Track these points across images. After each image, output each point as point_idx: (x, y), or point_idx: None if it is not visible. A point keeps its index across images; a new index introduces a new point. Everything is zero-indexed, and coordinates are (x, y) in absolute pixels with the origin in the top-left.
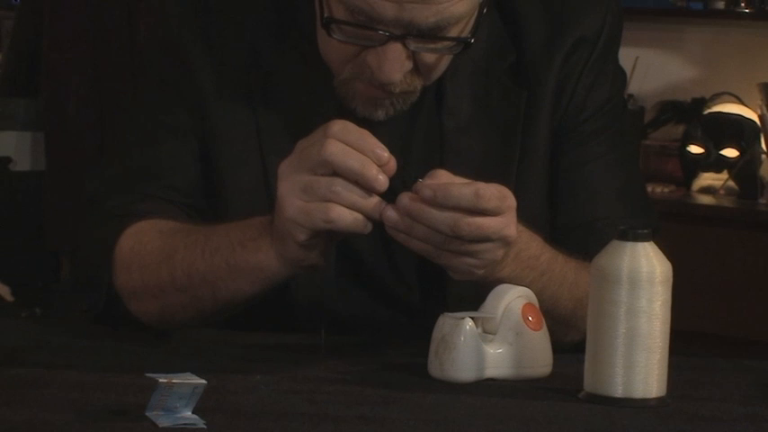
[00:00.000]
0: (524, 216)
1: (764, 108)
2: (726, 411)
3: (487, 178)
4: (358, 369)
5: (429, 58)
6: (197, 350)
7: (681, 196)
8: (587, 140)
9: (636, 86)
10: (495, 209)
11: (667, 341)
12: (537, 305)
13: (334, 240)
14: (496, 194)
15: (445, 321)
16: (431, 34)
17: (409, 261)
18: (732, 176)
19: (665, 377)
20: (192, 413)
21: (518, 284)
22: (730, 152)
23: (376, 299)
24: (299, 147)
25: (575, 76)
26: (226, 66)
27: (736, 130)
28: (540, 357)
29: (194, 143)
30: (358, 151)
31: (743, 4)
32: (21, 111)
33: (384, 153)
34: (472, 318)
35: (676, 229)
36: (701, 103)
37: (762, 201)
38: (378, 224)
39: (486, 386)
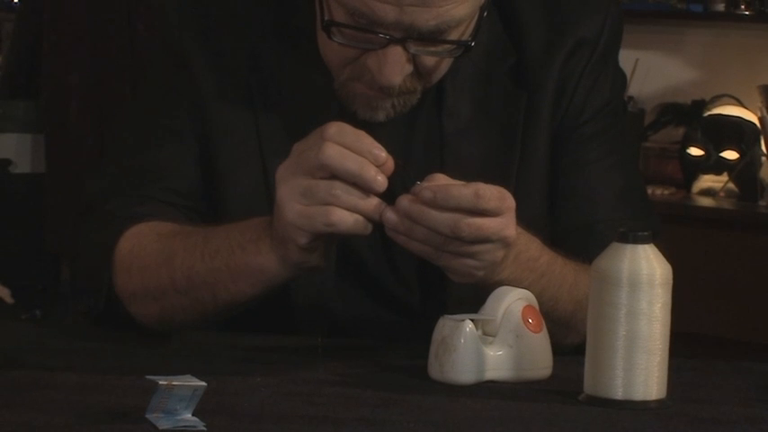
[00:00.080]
0: (524, 218)
1: (764, 110)
2: (726, 413)
3: (487, 180)
4: (358, 371)
5: (429, 61)
6: (197, 352)
7: (681, 198)
8: (587, 142)
9: (636, 89)
10: (494, 209)
11: (667, 343)
12: (537, 307)
13: (335, 242)
14: (496, 195)
15: (445, 323)
16: (431, 37)
17: (409, 263)
18: (732, 179)
19: (665, 379)
20: (192, 415)
21: (517, 286)
22: (730, 154)
23: (376, 301)
24: (297, 150)
25: (575, 78)
26: (226, 68)
27: (736, 132)
28: (540, 359)
29: (194, 145)
30: (355, 153)
31: (743, 7)
32: (21, 113)
33: (381, 153)
34: (472, 320)
35: (676, 231)
36: (701, 105)
37: (762, 203)
38: (378, 226)
39: (487, 388)
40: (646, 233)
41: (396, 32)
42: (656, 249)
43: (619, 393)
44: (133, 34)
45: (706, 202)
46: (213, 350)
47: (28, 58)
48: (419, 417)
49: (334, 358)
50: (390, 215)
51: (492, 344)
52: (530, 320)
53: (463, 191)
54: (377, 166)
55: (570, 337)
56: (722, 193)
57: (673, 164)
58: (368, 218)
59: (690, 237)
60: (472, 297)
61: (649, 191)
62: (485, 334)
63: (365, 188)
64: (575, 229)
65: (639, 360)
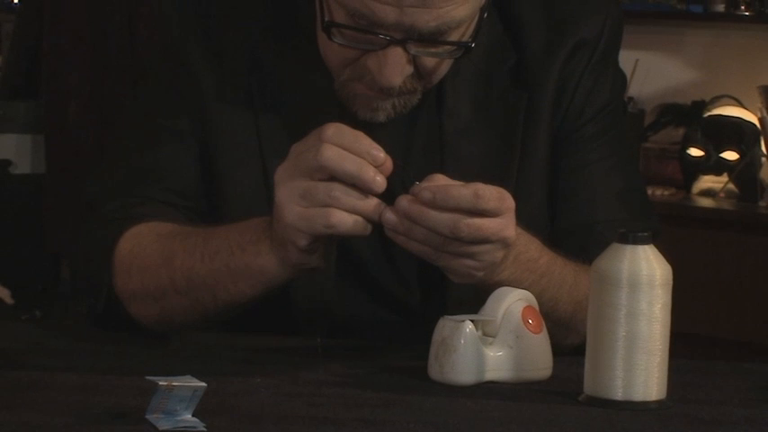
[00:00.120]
0: (524, 219)
1: (764, 111)
2: (726, 414)
3: (487, 181)
4: (358, 372)
5: (430, 62)
6: (197, 353)
7: (681, 199)
8: (587, 143)
9: (636, 89)
10: (494, 209)
11: (667, 344)
12: (537, 308)
13: (334, 243)
14: (495, 195)
15: (445, 324)
16: (431, 38)
17: (409, 264)
18: (732, 179)
19: (664, 380)
20: (192, 416)
21: (517, 287)
22: (730, 155)
23: (376, 302)
24: (295, 151)
25: (575, 79)
26: (226, 69)
27: (736, 132)
28: (540, 360)
29: (194, 146)
30: (353, 153)
31: (743, 7)
32: (21, 113)
33: (380, 153)
34: (472, 321)
35: (676, 231)
36: (701, 105)
37: (762, 203)
38: (378, 226)
39: (487, 389)
40: (646, 234)
41: (396, 33)
42: (655, 250)
43: (619, 394)
44: (133, 35)
45: (706, 202)
46: (213, 351)
47: (28, 59)
48: (419, 417)
49: (335, 359)
50: (389, 216)
51: (492, 344)
52: (530, 321)
53: (462, 191)
54: (376, 167)
55: (570, 337)
56: (722, 194)
57: (673, 164)
58: (367, 219)
59: (690, 237)
60: (472, 298)
61: (649, 191)
62: (485, 335)
63: (364, 189)
64: (575, 229)
65: (639, 361)
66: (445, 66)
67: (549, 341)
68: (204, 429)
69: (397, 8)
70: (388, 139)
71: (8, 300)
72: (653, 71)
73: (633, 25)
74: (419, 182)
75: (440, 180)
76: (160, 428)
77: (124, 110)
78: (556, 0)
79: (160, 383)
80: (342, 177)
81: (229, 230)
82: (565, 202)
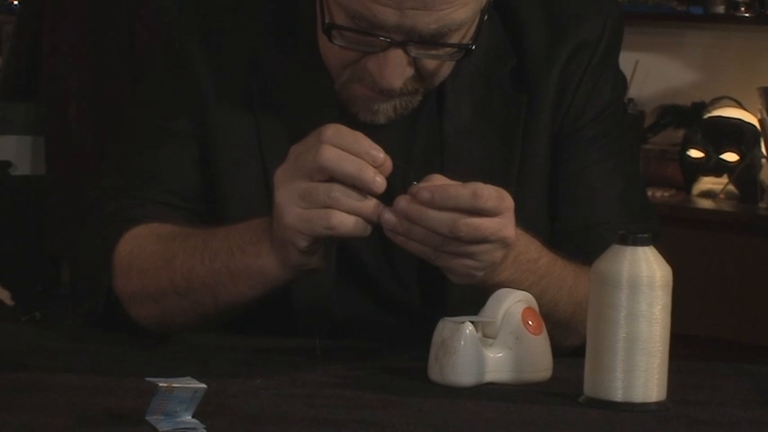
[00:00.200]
0: (524, 220)
1: (764, 112)
2: (726, 415)
3: (487, 182)
4: (358, 373)
5: (430, 64)
6: (197, 354)
7: (681, 200)
8: (587, 145)
9: (636, 91)
10: (493, 209)
11: (667, 345)
12: (537, 309)
13: (334, 243)
14: (494, 195)
15: (445, 325)
16: (432, 41)
17: (409, 265)
18: (732, 181)
19: (664, 381)
20: (192, 417)
21: (517, 288)
22: (730, 156)
23: (376, 303)
24: (294, 153)
25: (575, 80)
26: (226, 70)
27: (736, 134)
28: (540, 361)
29: (194, 147)
30: (353, 154)
31: (743, 9)
32: (21, 115)
33: (379, 154)
34: (472, 322)
35: (676, 233)
36: (701, 107)
37: (762, 205)
38: (377, 227)
39: (487, 390)
40: (646, 235)
41: (396, 36)
42: (655, 251)
43: (619, 395)
44: (133, 36)
45: (706, 204)
46: (213, 352)
47: (28, 61)
48: (419, 419)
49: (334, 360)
50: (389, 216)
51: (492, 346)
52: (530, 322)
53: (461, 190)
54: (375, 167)
55: (570, 338)
56: (722, 195)
57: (673, 166)
58: (367, 219)
59: (690, 239)
60: (472, 299)
61: (649, 193)
62: (485, 336)
63: (364, 190)
64: (575, 231)
65: (639, 362)
66: (446, 68)
67: (548, 342)
68: (204, 431)
69: (397, 10)
70: (388, 141)
71: (8, 301)
72: (653, 72)
73: (633, 26)
74: (417, 182)
75: (438, 180)
76: (160, 430)
77: (124, 111)
78: (556, 2)
79: (160, 385)
80: (341, 178)
81: (229, 232)
82: (565, 203)
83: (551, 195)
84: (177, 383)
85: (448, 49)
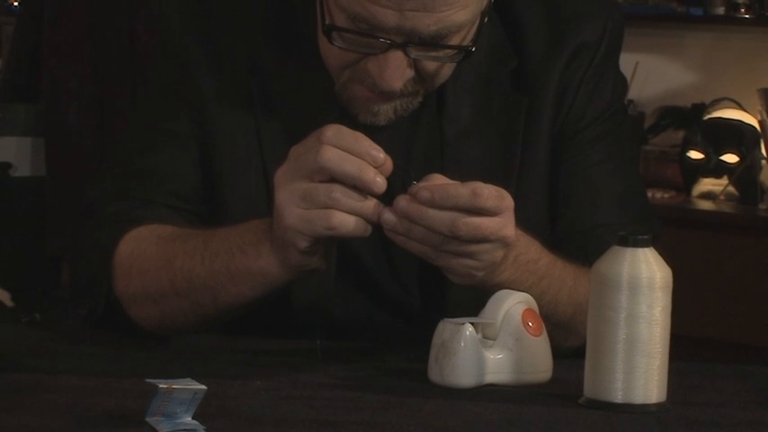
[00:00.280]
0: (524, 222)
1: (764, 113)
2: (726, 417)
3: (488, 183)
4: (358, 374)
5: (431, 65)
6: (197, 355)
7: (681, 202)
8: (588, 147)
9: (636, 92)
10: (492, 208)
11: (667, 347)
12: (537, 311)
13: (335, 244)
14: (494, 194)
15: (445, 327)
16: (432, 42)
17: (409, 266)
18: (732, 182)
19: (664, 383)
20: (192, 419)
21: (517, 289)
22: (730, 158)
23: (376, 304)
24: (294, 153)
25: (575, 82)
26: (227, 71)
27: (736, 135)
28: (540, 363)
29: (195, 149)
30: (353, 155)
31: (743, 10)
32: (21, 116)
33: (380, 154)
34: (472, 323)
35: (676, 234)
36: (701, 108)
37: (762, 206)
38: (378, 227)
39: (487, 392)
40: (645, 236)
41: (396, 37)
42: (655, 253)
43: (619, 397)
44: (133, 38)
45: (706, 205)
46: (213, 353)
47: (28, 62)
48: (419, 420)
49: (334, 361)
50: (388, 216)
51: (492, 347)
52: (530, 324)
53: (461, 190)
54: (375, 168)
55: (570, 340)
56: (722, 197)
57: (673, 167)
58: (367, 219)
59: (690, 240)
60: (472, 300)
61: (649, 194)
62: (485, 337)
63: (365, 190)
64: (575, 232)
65: (639, 363)
66: (447, 69)
67: (549, 344)
68: None
69: (397, 12)
70: (388, 142)
71: (8, 302)
72: (653, 74)
73: (633, 28)
74: (417, 182)
75: (438, 180)
76: (160, 431)
77: (124, 112)
78: (556, 3)
79: (160, 386)
80: (342, 179)
81: (229, 232)
82: (565, 205)
83: (551, 196)
84: (177, 385)
85: (448, 51)
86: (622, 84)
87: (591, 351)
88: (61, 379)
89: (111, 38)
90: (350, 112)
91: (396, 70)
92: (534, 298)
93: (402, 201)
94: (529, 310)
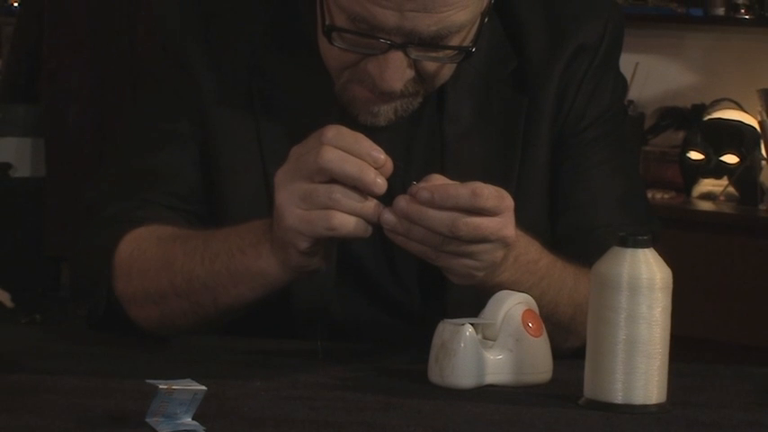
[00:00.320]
0: (525, 223)
1: (764, 114)
2: (726, 417)
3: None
4: (358, 375)
5: (431, 66)
6: (197, 356)
7: (681, 202)
8: (588, 147)
9: (636, 93)
10: (492, 208)
11: (667, 347)
12: (537, 311)
13: (335, 244)
14: (494, 194)
15: (445, 327)
16: (432, 43)
17: (409, 266)
18: (732, 183)
19: (665, 383)
20: (192, 419)
21: (517, 289)
22: (730, 158)
23: (376, 305)
24: (294, 154)
25: (575, 83)
26: (227, 72)
27: (736, 136)
28: (540, 363)
29: (195, 149)
30: (354, 156)
31: (743, 11)
32: (21, 117)
33: (380, 155)
34: (472, 324)
35: (676, 235)
36: (701, 109)
37: (762, 207)
38: (378, 228)
39: (487, 392)
40: (645, 237)
41: (397, 38)
42: (655, 253)
43: (619, 397)
44: (133, 38)
45: (706, 206)
46: (213, 354)
47: (28, 62)
48: (419, 421)
49: (334, 362)
50: (388, 216)
51: (492, 348)
52: (530, 324)
53: (461, 190)
54: (376, 169)
55: (570, 340)
56: (722, 197)
57: (673, 168)
58: (367, 220)
59: (690, 241)
60: (472, 301)
61: (649, 195)
62: (485, 338)
63: (365, 191)
64: (575, 233)
65: (639, 364)
66: (447, 70)
67: (549, 344)
68: None
69: (397, 12)
70: (388, 143)
71: (8, 303)
72: (653, 74)
73: (633, 28)
74: (417, 182)
75: (438, 180)
76: None
77: (124, 113)
78: (557, 4)
79: (160, 387)
80: (342, 179)
81: (229, 233)
82: (565, 206)
83: (551, 197)
84: (177, 385)
85: (448, 52)
86: (622, 84)
87: (591, 352)
88: (61, 380)
89: (111, 38)
90: (350, 112)
91: (396, 71)
92: (534, 298)
93: (402, 201)
94: (529, 311)
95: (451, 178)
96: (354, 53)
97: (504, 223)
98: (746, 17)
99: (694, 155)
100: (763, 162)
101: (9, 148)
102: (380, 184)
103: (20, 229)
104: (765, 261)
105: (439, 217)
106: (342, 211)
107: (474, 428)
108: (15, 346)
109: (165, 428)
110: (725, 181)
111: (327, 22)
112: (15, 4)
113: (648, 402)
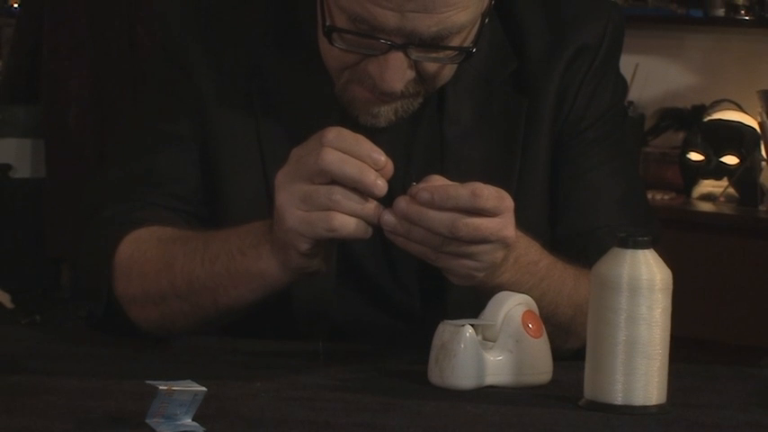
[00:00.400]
0: (525, 224)
1: (764, 115)
2: (726, 418)
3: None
4: (358, 376)
5: (431, 67)
6: (197, 357)
7: (681, 203)
8: (588, 149)
9: (636, 94)
10: (492, 208)
11: (667, 348)
12: (537, 312)
13: (335, 245)
14: (494, 195)
15: (445, 328)
16: (432, 43)
17: (410, 267)
18: (732, 184)
19: (665, 384)
20: (192, 420)
21: (517, 290)
22: (730, 159)
23: (376, 306)
24: (295, 155)
25: (576, 84)
26: (227, 73)
27: (736, 137)
28: (540, 364)
29: (195, 150)
30: (354, 157)
31: (743, 12)
32: (21, 118)
33: (381, 157)
34: (472, 325)
35: (676, 236)
36: (701, 110)
37: (762, 208)
38: (378, 229)
39: (487, 393)
40: (645, 238)
41: (397, 38)
42: (655, 254)
43: (619, 398)
44: (133, 39)
45: (706, 207)
46: (213, 355)
47: (28, 63)
48: (419, 422)
49: (335, 363)
50: (388, 217)
51: (492, 349)
52: (530, 325)
53: (460, 190)
54: (376, 170)
55: (570, 341)
56: (722, 198)
57: (673, 169)
58: (368, 221)
59: (690, 242)
60: (472, 302)
61: (649, 196)
62: (485, 339)
63: (365, 193)
64: (575, 234)
65: (639, 365)
66: (448, 71)
67: (549, 345)
68: None
69: (398, 13)
70: (389, 144)
71: (8, 304)
72: (653, 75)
73: (633, 30)
74: (417, 183)
75: (438, 181)
76: None
77: (124, 114)
78: (557, 5)
79: (160, 388)
80: (343, 181)
81: (230, 234)
82: (565, 207)
83: (552, 198)
84: (177, 386)
85: (448, 52)
86: (622, 85)
87: (591, 353)
88: (61, 380)
89: (111, 38)
90: (350, 113)
91: (396, 71)
92: (534, 299)
93: (402, 202)
94: (529, 312)
95: (451, 179)
96: (355, 54)
97: (504, 224)
98: (746, 18)
99: (694, 156)
100: (764, 163)
101: (9, 149)
102: (381, 185)
103: (20, 230)
104: (765, 261)
105: (439, 218)
106: (342, 213)
107: (474, 429)
108: (15, 346)
109: (165, 429)
110: (725, 182)
111: (328, 23)
112: (15, 6)
113: (648, 403)
